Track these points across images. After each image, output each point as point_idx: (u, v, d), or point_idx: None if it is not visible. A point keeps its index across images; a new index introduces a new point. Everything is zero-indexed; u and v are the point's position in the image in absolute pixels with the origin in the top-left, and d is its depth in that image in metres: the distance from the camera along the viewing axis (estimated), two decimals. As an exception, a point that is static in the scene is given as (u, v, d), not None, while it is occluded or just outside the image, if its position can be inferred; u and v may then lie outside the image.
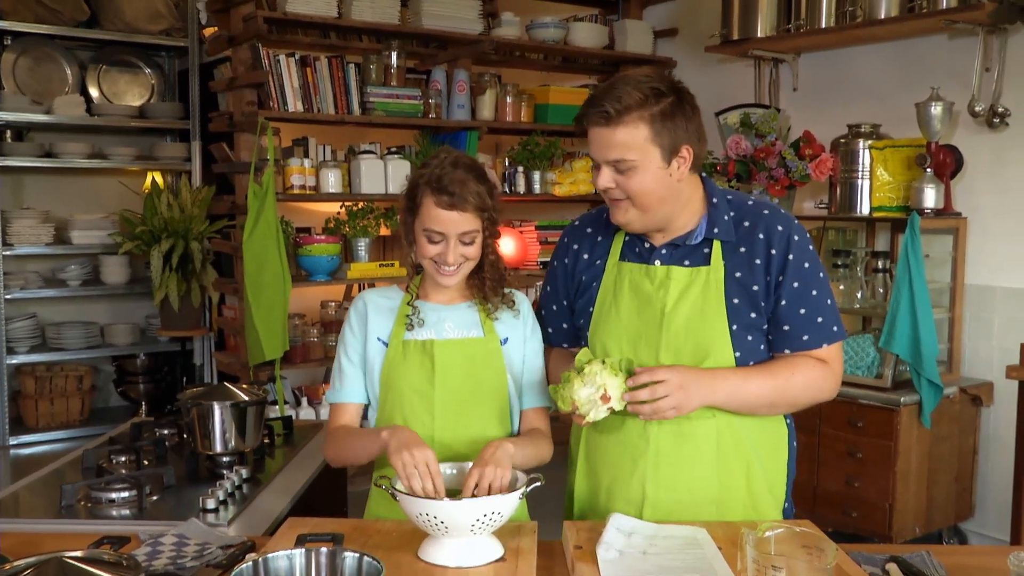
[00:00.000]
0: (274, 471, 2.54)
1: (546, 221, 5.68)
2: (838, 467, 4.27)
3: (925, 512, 4.23)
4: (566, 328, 2.22)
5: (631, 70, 2.04)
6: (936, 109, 4.19)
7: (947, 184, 4.31)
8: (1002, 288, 4.37)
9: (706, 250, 2.02)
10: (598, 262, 2.14)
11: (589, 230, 2.20)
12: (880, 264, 4.41)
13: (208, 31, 5.74)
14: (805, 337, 2.00)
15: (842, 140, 4.62)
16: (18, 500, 2.31)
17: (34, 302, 6.16)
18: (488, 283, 2.11)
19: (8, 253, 5.86)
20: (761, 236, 2.00)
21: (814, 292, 2.00)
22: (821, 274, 2.02)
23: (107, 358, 6.38)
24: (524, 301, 2.20)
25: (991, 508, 4.40)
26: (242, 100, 4.68)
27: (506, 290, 2.15)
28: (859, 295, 4.48)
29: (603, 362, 1.87)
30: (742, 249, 2.01)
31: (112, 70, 6.47)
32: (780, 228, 2.01)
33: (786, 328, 2.00)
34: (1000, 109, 4.27)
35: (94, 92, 6.38)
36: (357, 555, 1.54)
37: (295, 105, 4.70)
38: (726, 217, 2.03)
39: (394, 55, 5.01)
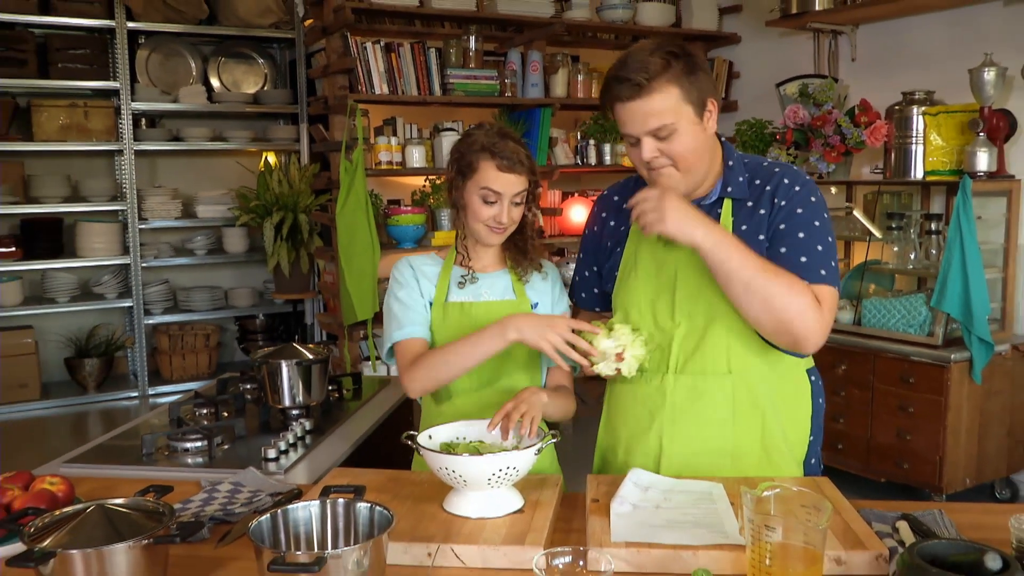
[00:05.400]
0: (337, 423, 2.50)
1: (618, 190, 5.51)
2: (890, 421, 4.06)
3: (976, 464, 4.00)
4: (596, 293, 2.13)
5: (639, 43, 1.89)
6: (989, 74, 3.89)
7: (1000, 148, 4.02)
8: (1054, 248, 4.07)
9: (718, 210, 1.90)
10: (622, 228, 2.05)
11: (616, 199, 2.10)
12: (933, 226, 4.16)
13: (307, 23, 5.74)
14: None
15: (896, 107, 4.36)
16: (108, 448, 2.32)
17: (166, 269, 6.35)
18: (522, 248, 2.10)
19: (144, 226, 6.05)
20: (768, 188, 1.87)
21: (800, 235, 1.81)
22: (816, 223, 1.83)
23: (230, 318, 6.54)
24: (552, 268, 2.18)
25: (1043, 460, 4.13)
26: (335, 85, 4.67)
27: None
28: (912, 256, 4.23)
29: (633, 329, 1.81)
30: (750, 204, 1.88)
31: (230, 62, 6.56)
32: (787, 181, 1.87)
33: None
34: (1054, 73, 3.94)
35: (215, 82, 6.49)
36: (369, 506, 1.48)
37: (381, 88, 4.66)
38: (741, 178, 1.91)
39: (472, 39, 4.92)
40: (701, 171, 1.87)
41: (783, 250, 1.81)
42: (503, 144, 1.97)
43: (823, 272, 1.79)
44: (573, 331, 1.83)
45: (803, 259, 1.80)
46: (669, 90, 1.77)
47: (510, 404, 1.83)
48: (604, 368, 1.80)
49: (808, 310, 1.74)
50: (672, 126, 1.78)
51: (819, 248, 1.81)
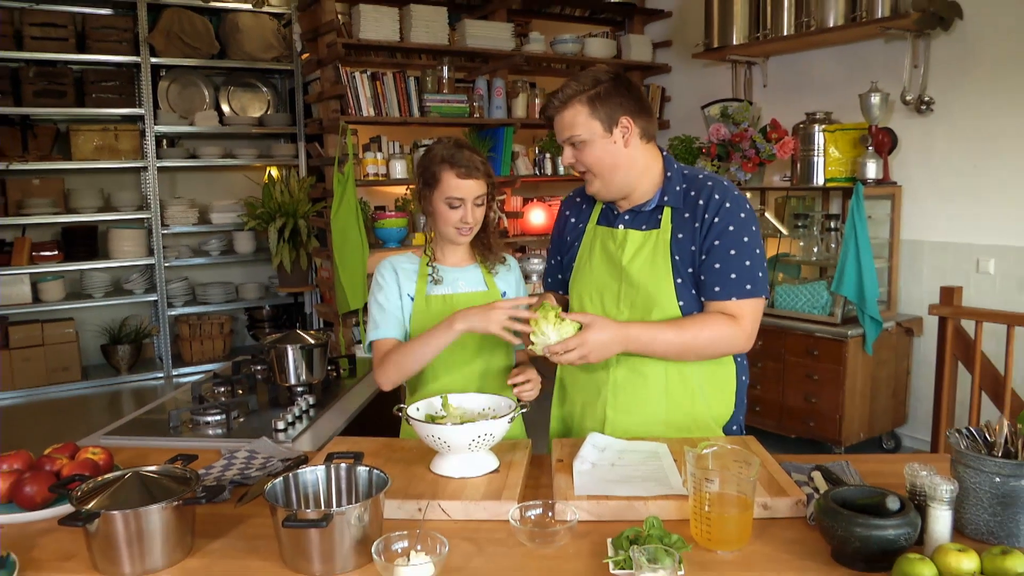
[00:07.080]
0: (336, 398, 2.46)
1: (570, 197, 5.50)
2: (799, 387, 4.11)
3: (868, 421, 4.06)
4: (560, 279, 2.12)
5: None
6: (875, 99, 3.94)
7: (885, 159, 4.06)
8: (929, 242, 4.13)
9: (659, 216, 1.87)
10: (580, 226, 2.02)
11: (578, 199, 2.08)
12: (832, 224, 4.20)
13: (304, 56, 5.66)
14: (717, 289, 1.79)
15: (801, 125, 4.38)
16: (140, 422, 2.26)
17: (186, 268, 6.24)
18: (488, 243, 2.04)
19: (166, 231, 5.94)
20: (701, 203, 1.82)
21: (732, 252, 1.78)
22: (746, 238, 1.78)
23: (241, 309, 6.44)
24: (513, 260, 2.15)
25: (920, 416, 4.20)
26: (328, 109, 4.59)
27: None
28: (815, 250, 4.27)
29: (560, 315, 1.77)
30: (686, 215, 1.84)
31: (238, 90, 6.45)
32: (717, 196, 1.81)
33: (703, 279, 1.82)
34: (926, 98, 4.00)
35: (225, 108, 6.37)
36: (368, 469, 1.46)
37: (368, 111, 4.59)
38: (678, 188, 1.86)
39: (445, 69, 4.86)
40: (619, 179, 1.84)
41: (717, 266, 1.80)
42: (460, 154, 1.91)
43: (748, 287, 1.79)
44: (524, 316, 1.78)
45: (732, 276, 1.79)
46: (578, 108, 1.78)
47: (531, 372, 1.88)
48: (539, 348, 1.76)
49: (732, 337, 1.80)
50: (580, 137, 1.79)
51: (747, 264, 1.79)
